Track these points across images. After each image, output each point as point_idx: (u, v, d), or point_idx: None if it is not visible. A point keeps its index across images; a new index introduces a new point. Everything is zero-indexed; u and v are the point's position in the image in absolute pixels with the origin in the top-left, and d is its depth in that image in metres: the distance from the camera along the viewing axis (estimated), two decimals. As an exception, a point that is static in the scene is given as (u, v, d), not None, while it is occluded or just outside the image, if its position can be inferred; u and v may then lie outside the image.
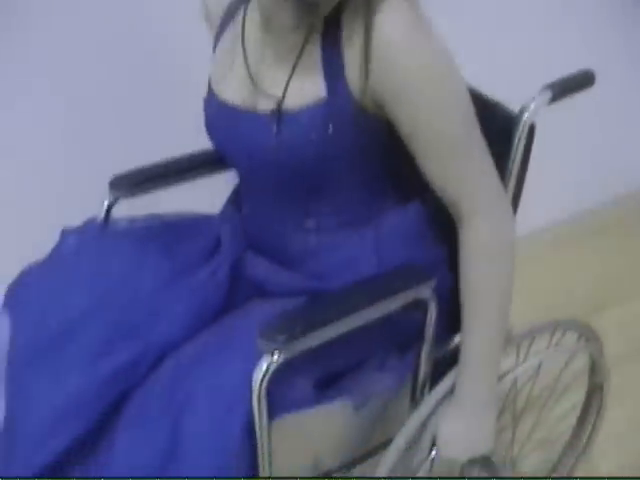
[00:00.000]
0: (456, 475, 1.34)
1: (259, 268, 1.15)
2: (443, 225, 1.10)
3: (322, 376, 1.06)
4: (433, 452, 1.11)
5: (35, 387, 1.05)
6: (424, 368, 1.15)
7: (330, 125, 1.00)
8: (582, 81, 1.18)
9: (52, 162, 1.60)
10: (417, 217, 1.15)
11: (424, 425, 1.11)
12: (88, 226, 1.27)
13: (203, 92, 1.17)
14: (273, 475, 1.03)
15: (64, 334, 1.06)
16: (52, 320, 1.08)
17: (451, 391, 1.10)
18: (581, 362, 1.39)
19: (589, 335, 1.32)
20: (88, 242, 1.22)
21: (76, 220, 1.26)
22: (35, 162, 1.59)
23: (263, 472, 1.02)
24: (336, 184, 1.10)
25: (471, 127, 1.00)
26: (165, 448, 0.98)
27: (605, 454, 1.64)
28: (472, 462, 1.25)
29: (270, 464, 1.02)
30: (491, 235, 1.02)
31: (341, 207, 1.13)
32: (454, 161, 1.00)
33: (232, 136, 1.11)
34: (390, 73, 0.95)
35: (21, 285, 1.18)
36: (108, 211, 1.29)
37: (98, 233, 1.27)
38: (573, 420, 1.50)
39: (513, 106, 1.13)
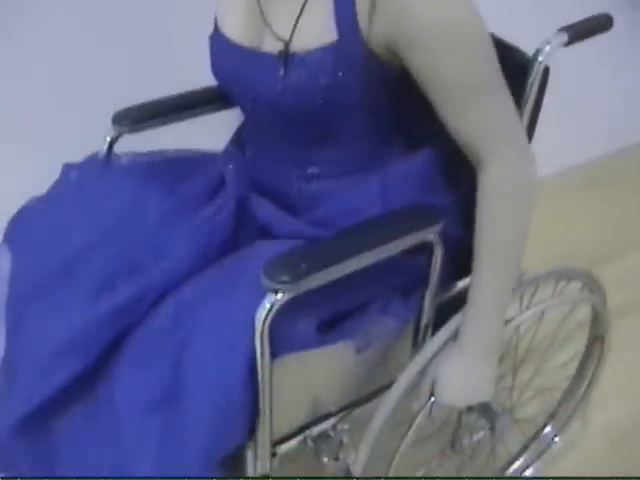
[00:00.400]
0: (454, 420, 1.36)
1: (264, 210, 1.14)
2: (454, 172, 1.08)
3: (325, 317, 1.06)
4: (433, 398, 1.11)
5: (35, 322, 1.05)
6: (427, 313, 1.14)
7: (339, 70, 0.98)
8: (599, 25, 1.15)
9: (54, 96, 1.58)
10: (426, 164, 1.12)
11: (425, 370, 1.11)
12: (90, 161, 1.25)
13: (210, 27, 1.15)
14: (273, 414, 1.03)
15: (64, 269, 1.05)
16: (52, 255, 1.07)
17: (454, 336, 1.09)
18: (584, 312, 1.38)
19: (593, 285, 1.31)
20: (89, 177, 1.21)
21: (78, 155, 1.24)
22: (37, 97, 1.57)
23: (263, 413, 1.02)
24: (342, 131, 1.07)
25: (492, 71, 0.97)
26: (166, 385, 0.98)
27: (602, 405, 1.65)
28: (470, 408, 1.26)
29: (271, 404, 1.02)
30: (509, 180, 1.01)
31: (346, 155, 1.11)
32: (473, 106, 0.97)
33: (238, 76, 1.08)
34: (403, 17, 0.92)
35: (22, 219, 1.17)
36: (110, 146, 1.27)
37: (100, 168, 1.25)
38: (573, 370, 1.51)
39: (529, 49, 1.10)
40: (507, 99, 0.99)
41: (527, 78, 1.08)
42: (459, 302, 1.08)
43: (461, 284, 1.18)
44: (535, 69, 1.07)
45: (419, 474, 1.41)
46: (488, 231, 1.02)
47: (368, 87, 1.02)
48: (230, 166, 1.19)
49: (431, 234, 1.04)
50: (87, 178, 1.20)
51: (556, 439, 1.58)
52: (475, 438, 1.41)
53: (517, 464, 1.58)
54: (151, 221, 1.10)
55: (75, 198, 1.16)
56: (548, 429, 1.58)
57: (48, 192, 1.19)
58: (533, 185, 1.02)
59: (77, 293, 1.03)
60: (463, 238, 1.08)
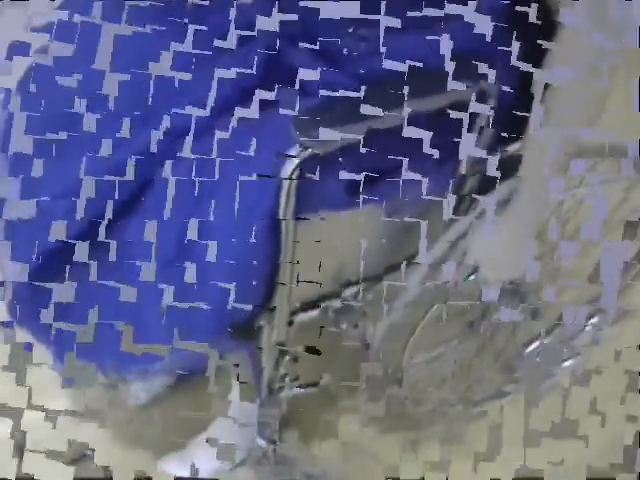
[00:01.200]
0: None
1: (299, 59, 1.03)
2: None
3: (355, 179, 0.99)
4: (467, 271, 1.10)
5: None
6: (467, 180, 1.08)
7: None
8: None
9: None
10: None
11: (463, 238, 1.07)
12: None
13: None
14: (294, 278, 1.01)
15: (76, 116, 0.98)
16: (63, 100, 0.99)
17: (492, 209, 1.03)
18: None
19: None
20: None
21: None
22: None
23: (284, 275, 0.99)
24: None
25: None
26: (183, 242, 0.95)
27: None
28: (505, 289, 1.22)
29: (292, 266, 0.99)
30: None
31: None
32: None
33: None
34: None
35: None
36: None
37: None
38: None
39: None
40: None
41: None
42: (503, 172, 1.02)
43: (511, 148, 1.10)
44: None
45: (437, 353, 1.40)
46: None
47: None
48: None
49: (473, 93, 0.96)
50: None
51: (587, 328, 1.55)
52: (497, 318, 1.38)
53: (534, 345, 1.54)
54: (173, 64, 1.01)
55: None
56: (577, 316, 1.54)
57: None
58: None
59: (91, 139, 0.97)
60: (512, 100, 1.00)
